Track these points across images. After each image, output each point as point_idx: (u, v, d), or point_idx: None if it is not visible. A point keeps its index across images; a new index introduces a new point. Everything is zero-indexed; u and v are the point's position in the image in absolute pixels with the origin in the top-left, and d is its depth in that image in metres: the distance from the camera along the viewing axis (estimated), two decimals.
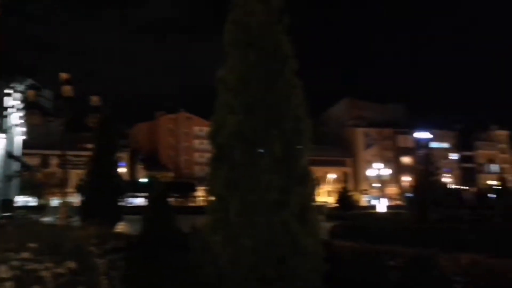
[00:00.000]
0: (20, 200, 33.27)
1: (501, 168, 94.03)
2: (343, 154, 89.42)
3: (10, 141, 24.99)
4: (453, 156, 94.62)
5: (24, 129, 28.74)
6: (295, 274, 4.82)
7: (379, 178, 75.40)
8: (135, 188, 54.03)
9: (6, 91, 22.19)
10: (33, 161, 54.16)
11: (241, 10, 5.61)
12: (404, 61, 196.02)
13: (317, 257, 5.04)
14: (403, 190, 72.12)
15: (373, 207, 60.06)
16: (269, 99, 5.28)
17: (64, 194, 19.49)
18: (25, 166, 32.61)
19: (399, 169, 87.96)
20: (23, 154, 33.29)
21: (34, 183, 42.80)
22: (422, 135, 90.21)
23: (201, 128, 78.47)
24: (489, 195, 51.40)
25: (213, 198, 5.49)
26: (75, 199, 23.89)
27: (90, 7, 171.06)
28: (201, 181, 56.93)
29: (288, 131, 5.27)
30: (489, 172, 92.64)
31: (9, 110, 22.68)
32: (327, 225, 22.96)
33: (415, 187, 36.37)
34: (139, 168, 77.64)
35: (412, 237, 16.34)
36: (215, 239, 5.05)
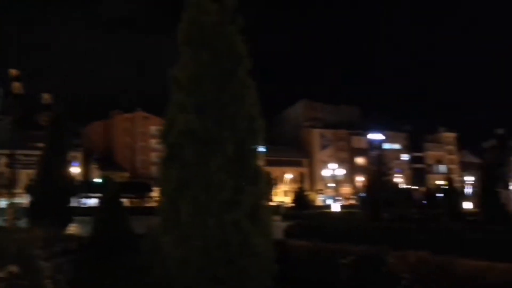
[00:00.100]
0: None
1: (449, 169, 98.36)
2: (299, 154, 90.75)
3: None
4: (404, 157, 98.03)
5: None
6: (246, 274, 4.82)
7: (334, 178, 77.04)
8: (88, 188, 52.68)
9: None
10: None
11: (195, 9, 5.56)
12: (358, 63, 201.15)
13: (268, 257, 5.06)
14: (356, 190, 73.99)
15: (328, 206, 61.23)
16: (222, 99, 5.25)
17: (12, 195, 18.70)
18: None
19: (353, 170, 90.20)
20: None
21: None
22: (375, 136, 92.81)
23: (159, 127, 77.03)
24: (437, 194, 53.55)
25: (164, 198, 5.41)
26: (24, 200, 22.98)
27: (45, 3, 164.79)
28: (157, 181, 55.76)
29: (241, 131, 5.26)
30: (437, 173, 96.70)
31: None
32: (283, 225, 23.18)
33: (368, 187, 37.46)
34: (93, 168, 75.49)
35: (364, 235, 16.79)
36: (165, 240, 4.97)
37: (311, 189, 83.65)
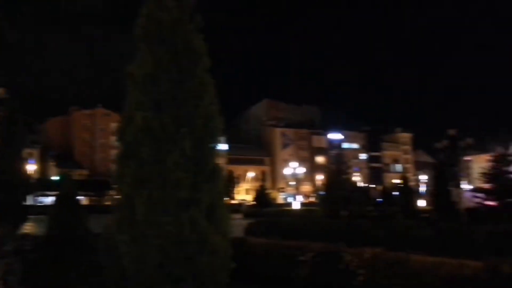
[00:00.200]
0: None
1: (404, 168, 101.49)
2: (261, 153, 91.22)
3: None
4: (362, 156, 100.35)
5: None
6: (203, 271, 4.83)
7: (294, 177, 77.94)
8: (45, 186, 50.93)
9: None
10: None
11: (153, 5, 5.49)
12: (319, 63, 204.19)
13: (225, 254, 5.08)
14: (316, 188, 75.12)
15: (289, 204, 61.86)
16: (179, 96, 5.21)
17: None
18: None
19: (314, 168, 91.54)
20: None
21: None
22: (334, 136, 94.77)
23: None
24: (393, 193, 55.21)
25: (120, 196, 5.32)
26: None
27: None
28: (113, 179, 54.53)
29: (199, 129, 5.24)
30: (394, 172, 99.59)
31: None
32: (244, 223, 23.25)
33: (327, 185, 38.12)
34: (51, 165, 73.03)
35: (322, 233, 17.09)
36: (121, 239, 4.90)
37: (273, 187, 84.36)
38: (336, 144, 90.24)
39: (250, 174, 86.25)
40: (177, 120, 5.10)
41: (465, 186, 48.93)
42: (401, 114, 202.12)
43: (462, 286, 6.84)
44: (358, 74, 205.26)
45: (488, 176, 31.22)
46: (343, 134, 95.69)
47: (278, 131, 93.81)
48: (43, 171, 70.19)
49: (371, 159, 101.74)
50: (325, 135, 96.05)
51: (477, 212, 29.33)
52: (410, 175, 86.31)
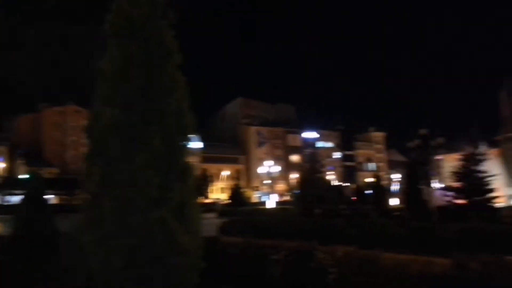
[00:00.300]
0: None
1: (377, 167, 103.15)
2: (236, 151, 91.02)
3: None
4: (336, 155, 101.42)
5: None
6: (172, 271, 4.73)
7: (269, 175, 78.14)
8: (13, 185, 49.55)
9: None
10: None
11: (125, 0, 5.35)
12: (294, 63, 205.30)
13: (195, 254, 4.99)
14: (291, 187, 75.51)
15: (264, 203, 61.92)
16: (149, 93, 5.09)
17: None
18: None
19: (288, 167, 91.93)
20: None
21: None
22: (309, 135, 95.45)
23: None
24: (366, 191, 55.99)
25: (87, 195, 5.17)
26: None
27: None
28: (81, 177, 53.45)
29: (170, 127, 5.13)
30: (367, 170, 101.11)
31: None
32: (218, 221, 23.15)
33: (302, 184, 38.35)
34: (20, 164, 71.05)
35: (296, 231, 17.16)
36: (88, 239, 4.75)
37: (248, 186, 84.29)
38: (310, 143, 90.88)
39: (225, 173, 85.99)
40: (147, 118, 4.98)
41: (436, 184, 50.03)
42: (375, 114, 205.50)
43: (431, 283, 6.95)
44: (333, 74, 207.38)
45: (458, 175, 31.94)
46: (317, 133, 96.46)
47: (253, 129, 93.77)
48: (11, 170, 68.32)
49: (345, 157, 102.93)
50: (300, 133, 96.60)
51: (448, 210, 29.99)
52: (383, 174, 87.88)
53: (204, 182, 69.22)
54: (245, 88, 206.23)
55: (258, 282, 9.39)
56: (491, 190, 30.91)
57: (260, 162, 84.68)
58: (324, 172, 62.64)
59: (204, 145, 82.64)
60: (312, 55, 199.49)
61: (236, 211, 43.78)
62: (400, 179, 72.42)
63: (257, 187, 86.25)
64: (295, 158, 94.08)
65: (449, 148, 48.93)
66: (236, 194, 59.61)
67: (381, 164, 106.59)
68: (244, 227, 18.87)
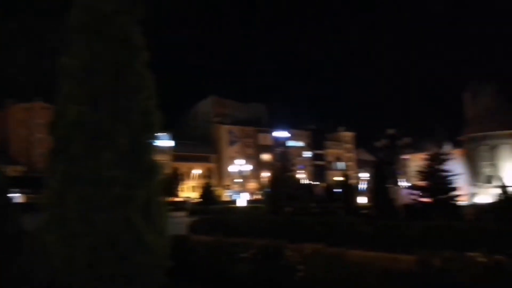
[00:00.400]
0: None
1: (346, 166, 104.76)
2: (208, 150, 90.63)
3: None
4: (307, 154, 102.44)
5: None
6: (138, 271, 4.68)
7: (240, 174, 78.19)
8: None
9: None
10: None
11: None
12: (266, 62, 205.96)
13: (161, 253, 4.95)
14: (262, 185, 75.80)
15: (235, 201, 61.90)
16: (115, 91, 5.00)
17: None
18: None
19: (259, 166, 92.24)
20: None
21: None
22: (280, 134, 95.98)
23: None
24: (335, 190, 56.78)
25: (50, 194, 5.04)
26: None
27: None
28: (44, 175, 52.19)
29: (136, 124, 5.06)
30: (336, 169, 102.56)
31: None
32: (188, 220, 23.03)
33: (272, 182, 38.54)
34: None
35: (266, 229, 17.27)
36: (51, 238, 4.64)
37: (219, 185, 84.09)
38: (281, 142, 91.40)
39: (196, 171, 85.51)
40: (113, 115, 4.89)
41: (403, 183, 51.23)
42: (344, 114, 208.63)
43: (395, 280, 7.13)
44: (304, 74, 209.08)
45: (423, 174, 32.79)
46: (288, 132, 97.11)
47: (224, 128, 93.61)
48: None
49: (315, 157, 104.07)
50: (271, 133, 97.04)
51: (413, 208, 30.74)
52: (351, 173, 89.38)
53: (175, 180, 68.62)
54: (217, 87, 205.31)
55: (227, 281, 9.39)
56: (455, 189, 31.89)
57: (231, 160, 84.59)
58: (295, 170, 63.12)
59: (176, 143, 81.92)
60: (283, 55, 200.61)
61: (207, 209, 43.60)
62: (368, 178, 73.75)
63: (228, 185, 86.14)
64: (266, 157, 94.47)
65: (415, 148, 50.22)
66: (207, 193, 59.37)
67: (350, 163, 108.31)
68: (214, 225, 18.83)
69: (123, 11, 5.27)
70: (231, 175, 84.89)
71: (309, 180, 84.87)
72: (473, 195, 55.27)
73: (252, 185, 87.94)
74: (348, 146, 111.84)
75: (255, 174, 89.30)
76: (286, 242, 9.10)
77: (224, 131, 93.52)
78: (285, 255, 8.57)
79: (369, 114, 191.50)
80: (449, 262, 6.77)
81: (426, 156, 33.97)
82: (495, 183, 44.24)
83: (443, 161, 32.78)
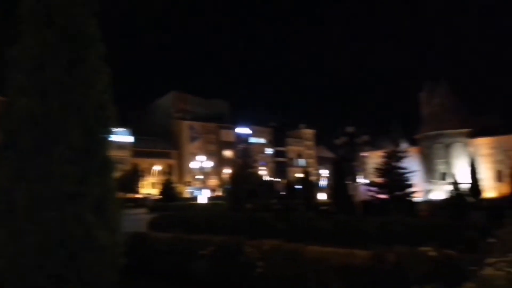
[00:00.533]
0: None
1: (307, 163, 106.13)
2: (169, 146, 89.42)
3: None
4: (269, 151, 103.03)
5: None
6: (88, 270, 4.54)
7: (202, 171, 77.65)
8: None
9: None
10: None
11: None
12: (229, 59, 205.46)
13: (114, 251, 4.83)
14: (223, 182, 75.66)
15: (196, 198, 61.52)
16: (68, 84, 4.82)
17: None
18: None
19: (221, 162, 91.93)
20: None
21: None
22: (242, 130, 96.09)
23: None
24: (296, 186, 57.45)
25: None
26: None
27: None
28: None
29: (89, 119, 4.90)
30: (297, 166, 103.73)
31: None
32: (148, 217, 22.69)
33: (234, 179, 38.50)
34: None
35: (226, 226, 17.26)
36: None
37: (180, 181, 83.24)
38: (243, 139, 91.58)
39: (157, 168, 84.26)
40: (65, 109, 4.71)
41: (361, 180, 52.42)
42: (305, 111, 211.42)
43: (351, 274, 7.29)
44: (266, 71, 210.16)
45: (381, 171, 33.73)
46: (250, 129, 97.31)
47: (185, 124, 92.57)
48: None
49: (276, 153, 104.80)
50: (233, 129, 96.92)
51: (371, 204, 31.55)
52: (312, 170, 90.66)
53: (135, 177, 67.36)
54: (179, 82, 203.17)
55: (186, 278, 9.33)
56: (410, 186, 32.97)
57: (192, 157, 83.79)
58: (257, 167, 63.48)
59: (135, 139, 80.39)
60: (246, 52, 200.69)
61: (168, 206, 43.14)
62: (328, 175, 75.12)
63: (189, 182, 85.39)
64: (228, 153, 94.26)
65: (373, 146, 51.52)
66: (167, 189, 58.67)
67: (310, 160, 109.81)
68: (174, 222, 18.64)
69: (77, 2, 5.08)
70: (192, 172, 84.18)
71: (271, 177, 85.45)
72: (428, 191, 57.36)
73: (214, 181, 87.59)
74: (309, 143, 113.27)
75: (216, 171, 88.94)
76: (246, 239, 9.12)
77: (185, 127, 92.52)
78: (244, 252, 8.58)
79: (329, 111, 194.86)
80: (402, 257, 6.98)
81: (384, 154, 34.88)
82: (448, 180, 46.00)
83: (399, 158, 33.77)
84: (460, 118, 61.03)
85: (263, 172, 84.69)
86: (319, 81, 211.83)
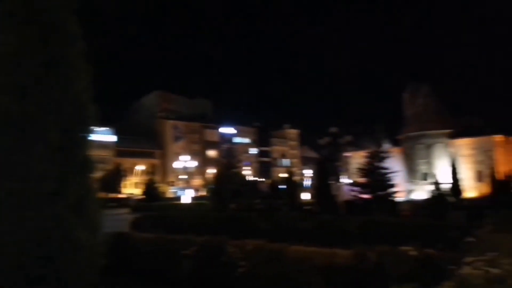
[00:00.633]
0: None
1: (291, 163, 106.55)
2: (152, 145, 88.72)
3: None
4: (253, 150, 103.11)
5: None
6: (67, 271, 4.47)
7: (185, 170, 77.28)
8: None
9: None
10: None
11: None
12: (214, 59, 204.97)
13: (94, 251, 4.77)
14: (207, 182, 75.36)
15: (179, 198, 61.16)
16: (47, 82, 4.73)
17: None
18: None
19: (205, 162, 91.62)
20: None
21: None
22: (226, 130, 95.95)
23: None
24: (280, 186, 57.57)
25: None
26: None
27: None
28: None
29: (69, 117, 4.82)
30: (281, 166, 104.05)
31: None
32: (131, 217, 22.48)
33: (218, 179, 38.42)
34: None
35: (210, 226, 17.21)
36: None
37: (163, 181, 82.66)
38: (227, 139, 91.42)
39: (140, 167, 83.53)
40: (44, 107, 4.62)
41: (344, 180, 52.80)
42: (290, 111, 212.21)
43: (334, 274, 7.33)
44: (250, 71, 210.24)
45: (364, 171, 34.04)
46: (235, 129, 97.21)
47: (169, 123, 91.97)
48: None
49: (261, 153, 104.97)
50: (217, 129, 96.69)
51: (354, 204, 31.83)
52: (296, 170, 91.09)
53: (117, 176, 66.70)
54: (162, 82, 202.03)
55: (169, 278, 9.27)
56: (393, 186, 33.34)
57: (176, 156, 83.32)
58: (241, 167, 63.40)
59: (119, 138, 79.57)
60: (230, 52, 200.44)
61: (151, 206, 42.83)
62: (311, 175, 75.42)
63: (172, 182, 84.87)
64: (212, 153, 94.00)
65: (356, 146, 51.98)
66: (150, 189, 58.22)
67: (294, 160, 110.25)
68: (157, 222, 18.52)
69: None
70: (176, 172, 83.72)
71: (255, 177, 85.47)
72: (409, 191, 58.06)
73: (197, 181, 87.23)
74: (293, 143, 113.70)
75: (200, 171, 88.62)
76: (229, 239, 9.10)
77: (169, 127, 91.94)
78: (227, 252, 8.57)
79: (313, 112, 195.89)
80: (383, 256, 7.05)
81: (367, 154, 35.18)
82: (430, 180, 46.63)
83: (382, 159, 34.09)
84: (441, 119, 61.96)
85: (247, 172, 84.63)
86: (303, 81, 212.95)
